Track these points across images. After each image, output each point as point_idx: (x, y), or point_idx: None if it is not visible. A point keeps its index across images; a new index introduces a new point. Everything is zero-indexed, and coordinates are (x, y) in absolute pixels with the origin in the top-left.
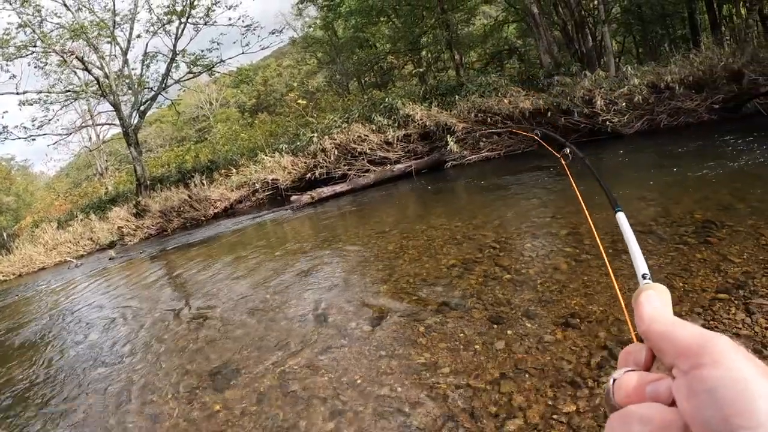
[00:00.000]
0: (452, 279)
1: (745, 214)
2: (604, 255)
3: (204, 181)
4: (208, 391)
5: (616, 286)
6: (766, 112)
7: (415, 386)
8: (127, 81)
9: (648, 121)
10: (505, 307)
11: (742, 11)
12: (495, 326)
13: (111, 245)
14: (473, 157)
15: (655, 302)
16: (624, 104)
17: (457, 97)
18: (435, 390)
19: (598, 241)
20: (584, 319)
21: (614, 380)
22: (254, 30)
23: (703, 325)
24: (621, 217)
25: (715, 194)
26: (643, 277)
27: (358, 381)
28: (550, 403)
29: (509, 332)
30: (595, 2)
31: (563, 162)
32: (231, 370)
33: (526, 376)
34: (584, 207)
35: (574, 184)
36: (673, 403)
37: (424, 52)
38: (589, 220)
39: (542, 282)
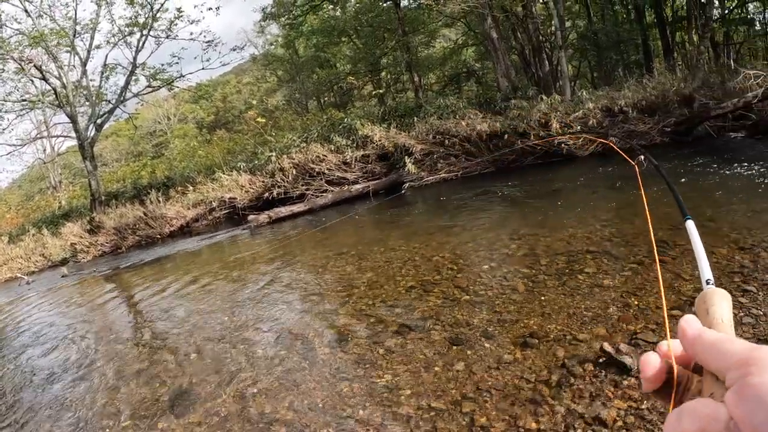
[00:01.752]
0: (411, 300)
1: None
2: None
3: (160, 198)
4: (166, 417)
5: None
6: (716, 134)
7: (377, 409)
8: (84, 92)
9: (602, 144)
10: (464, 328)
11: (694, 38)
12: (455, 347)
13: (63, 262)
14: (431, 178)
15: (693, 322)
16: (579, 127)
17: (415, 118)
18: (397, 412)
19: (655, 253)
20: (542, 338)
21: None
22: (216, 46)
23: (658, 341)
24: (690, 225)
25: (667, 214)
26: (707, 282)
27: (320, 404)
28: (511, 421)
29: (469, 353)
30: (553, 28)
31: (637, 169)
32: (189, 395)
33: (487, 395)
34: (648, 216)
35: (643, 193)
36: None
37: (383, 73)
38: (651, 232)
39: (500, 302)
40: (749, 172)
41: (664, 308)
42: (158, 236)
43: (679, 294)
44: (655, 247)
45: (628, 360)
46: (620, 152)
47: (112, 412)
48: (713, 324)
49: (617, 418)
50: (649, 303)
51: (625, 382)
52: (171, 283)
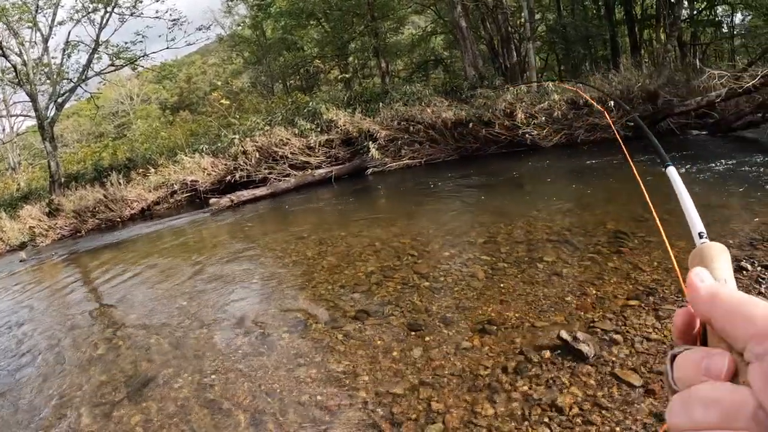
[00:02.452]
0: (371, 286)
1: (654, 226)
2: (657, 219)
3: (121, 181)
4: (125, 403)
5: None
6: (679, 131)
7: (335, 394)
8: (45, 70)
9: (566, 135)
10: (422, 314)
11: (662, 36)
12: (413, 333)
13: (22, 246)
14: (394, 164)
15: (707, 278)
16: (543, 118)
17: (381, 104)
18: (355, 397)
19: (652, 210)
20: (500, 325)
21: (673, 357)
22: (181, 25)
23: (614, 331)
24: (672, 172)
25: (627, 206)
26: (700, 236)
27: (278, 389)
28: (469, 407)
29: (427, 339)
30: (522, 20)
31: (608, 116)
32: (148, 381)
33: (445, 381)
34: (646, 194)
35: (621, 141)
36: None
37: (351, 58)
38: (642, 186)
39: (459, 289)
40: (709, 169)
41: (675, 264)
42: (118, 219)
43: (636, 284)
44: (652, 209)
45: (585, 348)
46: (589, 99)
47: (69, 399)
48: None
49: (573, 405)
50: (607, 292)
51: (583, 370)
52: (130, 267)
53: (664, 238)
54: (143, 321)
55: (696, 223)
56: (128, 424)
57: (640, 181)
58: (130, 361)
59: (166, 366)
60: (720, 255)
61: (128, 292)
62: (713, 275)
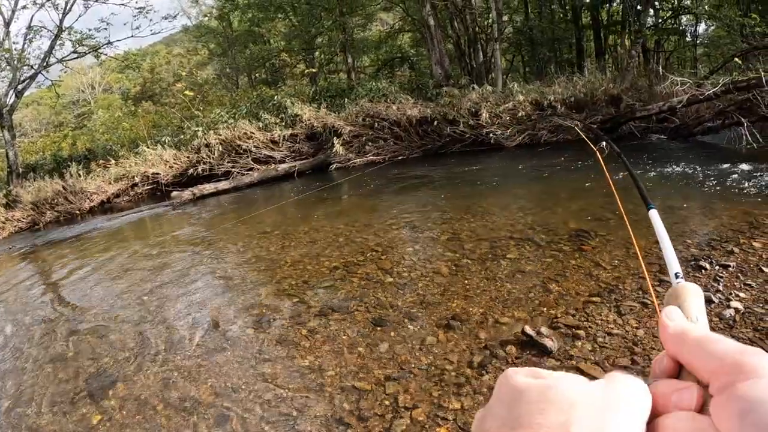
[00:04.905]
0: (335, 281)
1: (615, 225)
2: (639, 253)
3: (81, 172)
4: (86, 401)
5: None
6: (640, 135)
7: (300, 390)
8: (6, 55)
9: (530, 135)
10: (387, 310)
11: (627, 43)
12: (378, 328)
13: None
14: (358, 160)
15: (676, 317)
16: (508, 118)
17: (346, 100)
18: (321, 393)
19: (634, 240)
20: (465, 320)
21: None
22: (147, 13)
23: (577, 326)
24: (654, 215)
25: (589, 206)
26: (676, 276)
27: (243, 386)
28: (435, 402)
29: (392, 334)
30: (490, 21)
31: (599, 155)
32: (108, 379)
33: (411, 376)
34: (620, 202)
35: (609, 177)
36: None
37: (318, 53)
38: (625, 218)
39: (424, 285)
40: (669, 172)
41: (650, 286)
42: (78, 212)
43: (599, 281)
44: (634, 239)
45: (549, 342)
46: (585, 138)
47: (28, 398)
48: None
49: None
50: (569, 288)
51: (547, 364)
52: (90, 261)
53: (634, 243)
54: (104, 317)
55: (673, 264)
56: (89, 423)
57: (615, 191)
58: (90, 358)
59: (128, 363)
60: (693, 295)
61: (88, 287)
62: (686, 313)
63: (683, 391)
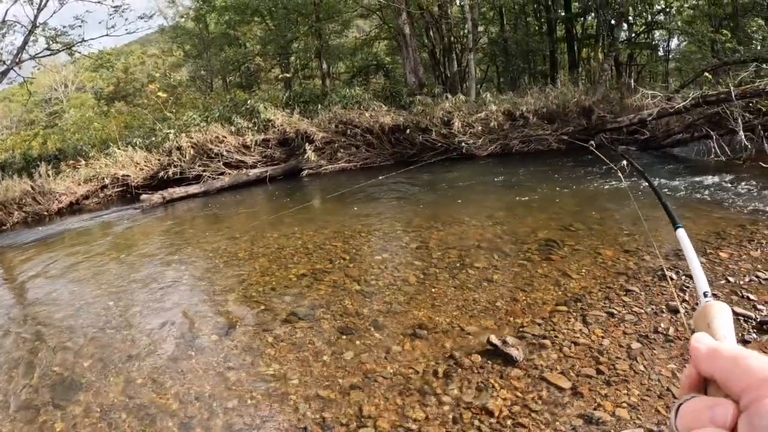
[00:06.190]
0: (302, 289)
1: (584, 235)
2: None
3: (50, 172)
4: (49, 408)
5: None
6: (611, 145)
7: (265, 398)
8: None
9: (501, 145)
10: (354, 318)
11: (600, 56)
12: (344, 337)
13: None
14: (330, 167)
15: (705, 340)
16: (480, 128)
17: (320, 106)
18: (285, 401)
19: (661, 259)
20: (431, 329)
21: (678, 406)
22: (123, 12)
23: (543, 335)
24: (681, 234)
25: (558, 216)
26: (704, 295)
27: (207, 393)
28: (399, 411)
29: (358, 343)
30: (465, 31)
31: (621, 174)
32: (71, 385)
33: (376, 385)
34: (644, 221)
35: (632, 199)
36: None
37: (293, 58)
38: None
39: (391, 293)
40: (639, 183)
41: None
42: (46, 213)
43: (566, 290)
44: (662, 260)
45: (514, 352)
46: (603, 158)
47: None
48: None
49: (503, 408)
50: (536, 298)
51: (512, 373)
52: (57, 264)
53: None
54: (69, 321)
55: (701, 282)
56: (52, 429)
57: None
58: (55, 363)
59: (92, 369)
60: (721, 313)
61: (54, 290)
62: (714, 333)
63: (717, 408)
